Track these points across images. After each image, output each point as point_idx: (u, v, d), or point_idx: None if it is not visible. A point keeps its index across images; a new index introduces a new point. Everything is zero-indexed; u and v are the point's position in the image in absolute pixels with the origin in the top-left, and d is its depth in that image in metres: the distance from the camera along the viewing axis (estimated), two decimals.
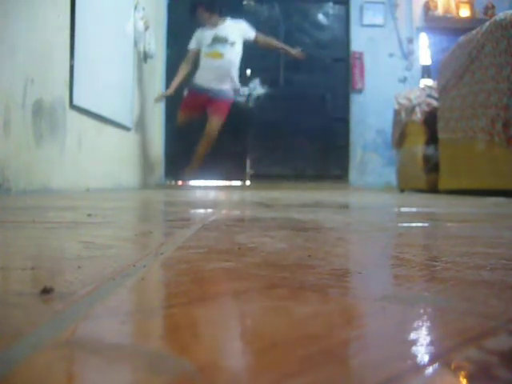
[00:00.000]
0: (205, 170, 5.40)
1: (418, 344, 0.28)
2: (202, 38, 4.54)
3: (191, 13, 4.60)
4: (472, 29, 3.34)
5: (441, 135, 3.69)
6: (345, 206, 2.08)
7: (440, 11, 6.30)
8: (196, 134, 5.92)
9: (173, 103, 6.21)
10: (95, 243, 0.71)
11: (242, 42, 4.57)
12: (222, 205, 2.06)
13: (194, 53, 4.60)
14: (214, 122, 4.60)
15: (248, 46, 4.78)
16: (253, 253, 0.63)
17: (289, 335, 0.30)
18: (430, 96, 4.18)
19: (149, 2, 5.18)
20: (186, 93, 4.71)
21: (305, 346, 0.28)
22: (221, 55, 4.47)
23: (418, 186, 4.20)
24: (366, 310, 0.37)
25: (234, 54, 4.52)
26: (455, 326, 0.32)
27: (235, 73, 4.58)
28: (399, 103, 4.50)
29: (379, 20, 6.32)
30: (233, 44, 4.48)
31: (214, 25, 4.51)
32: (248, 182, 6.24)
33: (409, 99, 4.34)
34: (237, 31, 4.54)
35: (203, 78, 4.52)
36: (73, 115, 3.07)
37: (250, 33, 4.64)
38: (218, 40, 4.46)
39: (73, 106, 3.04)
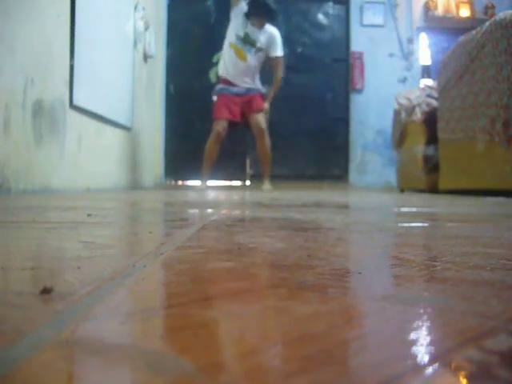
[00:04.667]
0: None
1: (418, 344, 0.28)
2: (241, 16, 4.28)
3: (251, 11, 4.27)
4: (472, 29, 3.34)
5: (441, 135, 3.69)
6: (345, 206, 2.08)
7: (440, 11, 6.30)
8: (196, 135, 5.93)
9: (173, 102, 6.24)
10: (95, 243, 0.71)
11: (266, 50, 4.37)
12: (222, 205, 2.06)
13: (237, 3, 4.29)
14: (259, 118, 4.33)
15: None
16: (253, 253, 0.63)
17: (289, 335, 0.30)
18: (429, 96, 4.18)
19: (149, 2, 5.18)
20: (215, 98, 4.42)
21: (305, 346, 0.28)
22: (245, 57, 4.32)
23: (418, 185, 4.20)
24: (366, 310, 0.37)
25: (256, 61, 4.36)
26: (455, 326, 0.32)
27: (257, 77, 4.42)
28: (399, 103, 4.50)
29: (379, 20, 6.32)
30: (258, 51, 4.33)
31: (260, 27, 4.31)
32: (248, 182, 6.24)
33: (409, 99, 4.34)
34: (267, 39, 4.35)
35: (230, 74, 4.34)
36: (73, 115, 3.07)
37: (278, 50, 4.41)
38: (247, 40, 4.29)
39: (73, 106, 3.04)
